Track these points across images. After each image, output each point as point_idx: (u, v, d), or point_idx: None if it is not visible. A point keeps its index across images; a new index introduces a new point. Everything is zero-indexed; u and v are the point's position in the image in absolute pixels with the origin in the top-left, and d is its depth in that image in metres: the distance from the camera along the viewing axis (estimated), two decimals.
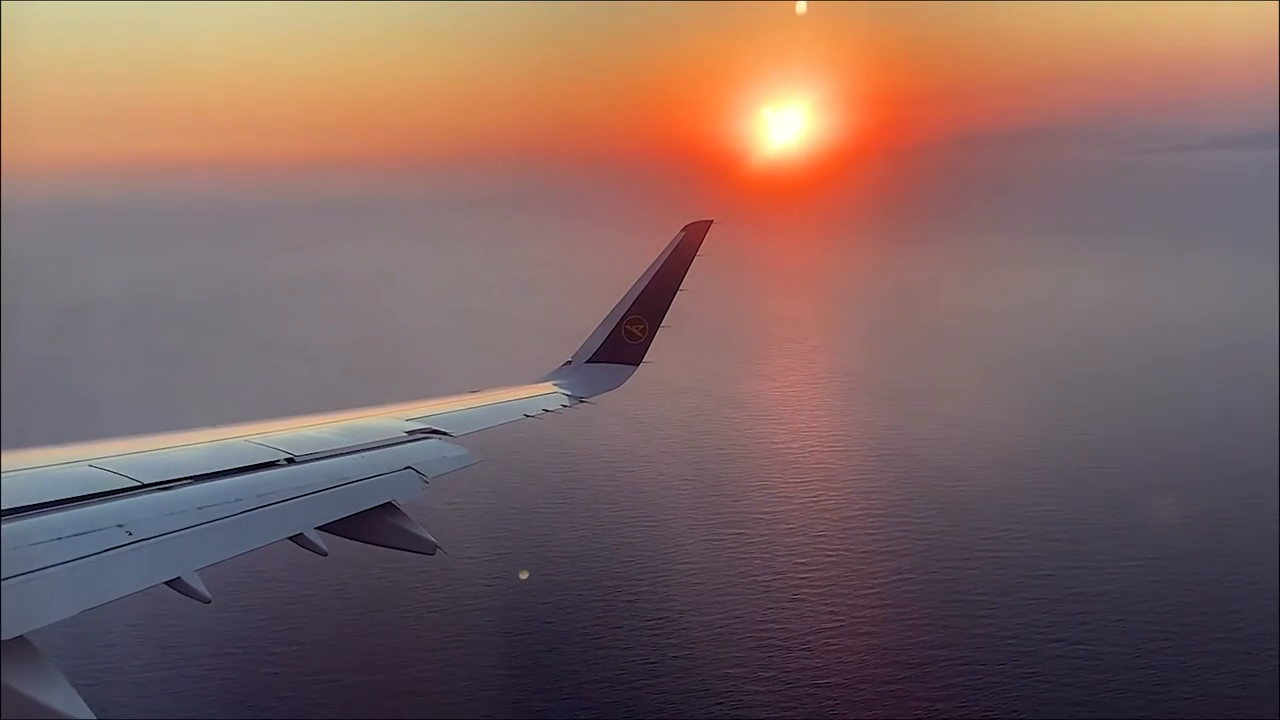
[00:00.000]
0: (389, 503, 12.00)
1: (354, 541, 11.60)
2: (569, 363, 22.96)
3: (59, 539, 8.63)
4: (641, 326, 22.66)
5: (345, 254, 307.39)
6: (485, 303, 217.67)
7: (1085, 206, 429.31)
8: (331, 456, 12.54)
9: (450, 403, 17.11)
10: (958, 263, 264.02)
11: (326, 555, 10.90)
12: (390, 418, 15.08)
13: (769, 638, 68.45)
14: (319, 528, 11.04)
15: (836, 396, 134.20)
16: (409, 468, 12.95)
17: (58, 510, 9.12)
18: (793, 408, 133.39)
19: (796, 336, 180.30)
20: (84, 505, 9.40)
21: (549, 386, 20.85)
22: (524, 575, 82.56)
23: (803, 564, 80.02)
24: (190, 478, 10.68)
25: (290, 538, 10.69)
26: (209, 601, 9.21)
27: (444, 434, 14.80)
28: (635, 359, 22.68)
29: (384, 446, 13.57)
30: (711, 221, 23.87)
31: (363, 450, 13.09)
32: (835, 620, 70.17)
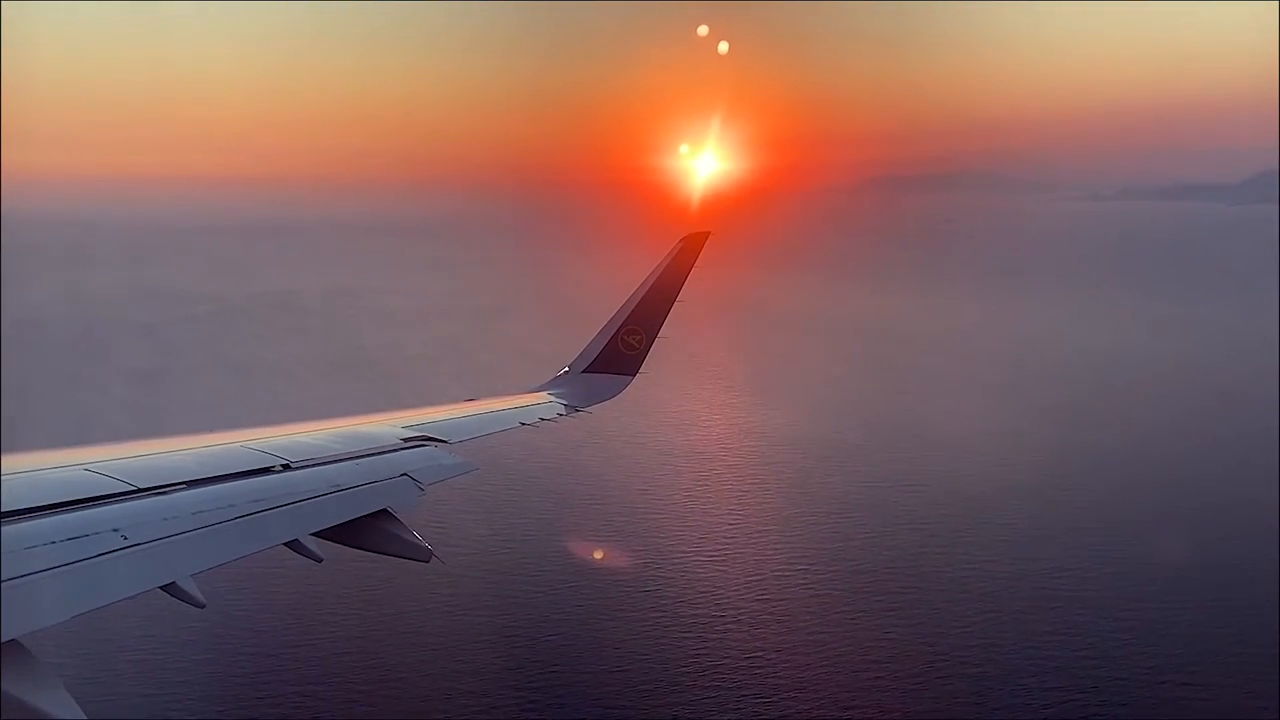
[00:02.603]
0: (384, 509, 12.02)
1: (349, 548, 11.62)
2: (565, 372, 23.02)
3: (53, 543, 8.60)
4: (638, 337, 22.77)
5: (296, 275, 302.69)
6: (455, 328, 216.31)
7: (1006, 249, 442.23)
8: (327, 463, 12.55)
9: (446, 410, 17.17)
10: (887, 299, 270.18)
11: (322, 561, 10.90)
12: (386, 425, 15.12)
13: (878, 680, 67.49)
14: (314, 534, 11.04)
15: (845, 427, 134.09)
16: (405, 475, 12.99)
17: (52, 514, 9.08)
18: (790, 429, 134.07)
19: (770, 367, 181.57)
20: (79, 509, 9.36)
21: (545, 396, 20.92)
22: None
23: (886, 604, 79.24)
24: (185, 483, 10.64)
25: (285, 544, 10.69)
26: (203, 606, 9.20)
27: (440, 441, 14.86)
28: (632, 369, 22.78)
29: (380, 453, 13.63)
30: (709, 233, 24.02)
31: (358, 457, 13.12)
32: (942, 660, 69.63)
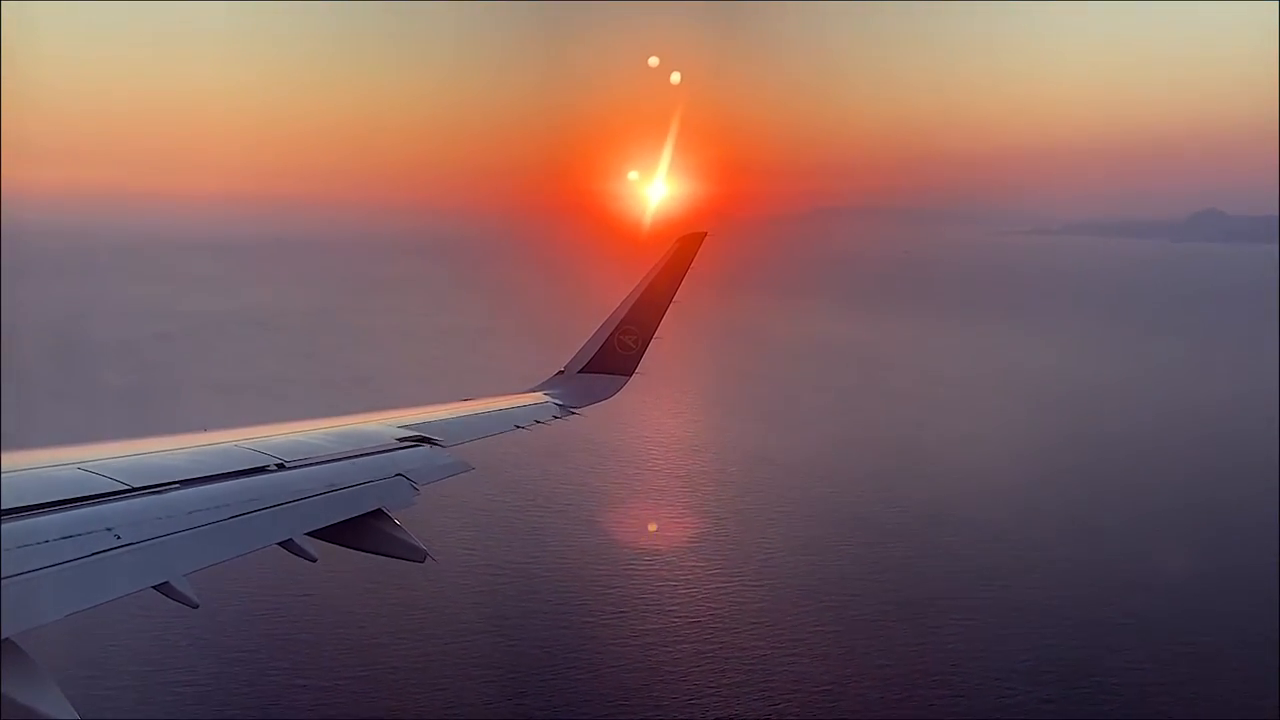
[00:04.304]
0: (379, 509, 12.03)
1: (344, 548, 11.60)
2: (562, 372, 22.94)
3: (47, 542, 8.53)
4: (634, 337, 22.71)
5: (257, 294, 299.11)
6: (438, 349, 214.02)
7: (956, 280, 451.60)
8: (322, 463, 12.53)
9: (442, 410, 17.15)
10: (859, 326, 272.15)
11: (316, 561, 10.87)
12: (382, 424, 15.11)
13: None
14: (309, 533, 11.01)
15: (844, 451, 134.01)
16: (400, 475, 13.00)
17: (46, 513, 9.00)
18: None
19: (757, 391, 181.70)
20: (73, 508, 9.28)
21: (541, 396, 20.87)
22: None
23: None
24: (180, 482, 10.57)
25: (280, 543, 10.65)
26: (197, 606, 9.14)
27: (435, 441, 14.85)
28: (628, 369, 22.72)
29: (375, 453, 13.61)
30: (705, 234, 23.76)
31: (353, 457, 13.10)
32: (1010, 691, 68.74)
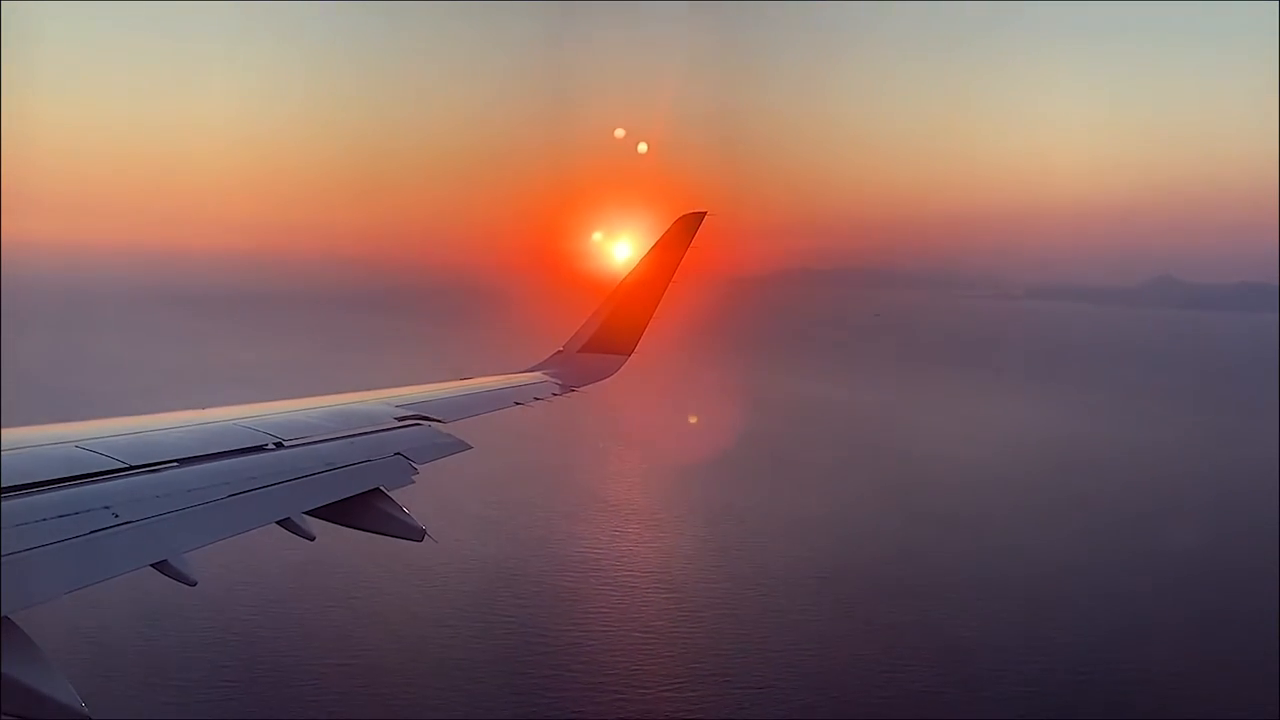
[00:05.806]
0: (377, 488, 12.01)
1: (342, 526, 11.55)
2: (560, 352, 22.90)
3: (44, 520, 8.47)
4: (633, 317, 22.63)
5: (225, 348, 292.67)
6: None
7: (930, 343, 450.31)
8: (321, 441, 12.57)
9: (440, 389, 17.28)
10: (846, 388, 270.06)
11: (314, 540, 10.85)
12: (380, 403, 15.19)
13: None
14: (307, 512, 10.98)
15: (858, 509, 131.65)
16: (398, 454, 13.03)
17: (43, 492, 8.96)
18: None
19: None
20: (70, 487, 9.25)
21: (539, 375, 20.89)
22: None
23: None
24: (178, 460, 10.57)
25: (278, 522, 10.61)
26: (195, 584, 9.09)
27: (434, 420, 14.91)
28: (627, 349, 22.61)
29: (374, 432, 13.66)
30: (705, 213, 23.55)
31: (352, 435, 13.16)
32: None
